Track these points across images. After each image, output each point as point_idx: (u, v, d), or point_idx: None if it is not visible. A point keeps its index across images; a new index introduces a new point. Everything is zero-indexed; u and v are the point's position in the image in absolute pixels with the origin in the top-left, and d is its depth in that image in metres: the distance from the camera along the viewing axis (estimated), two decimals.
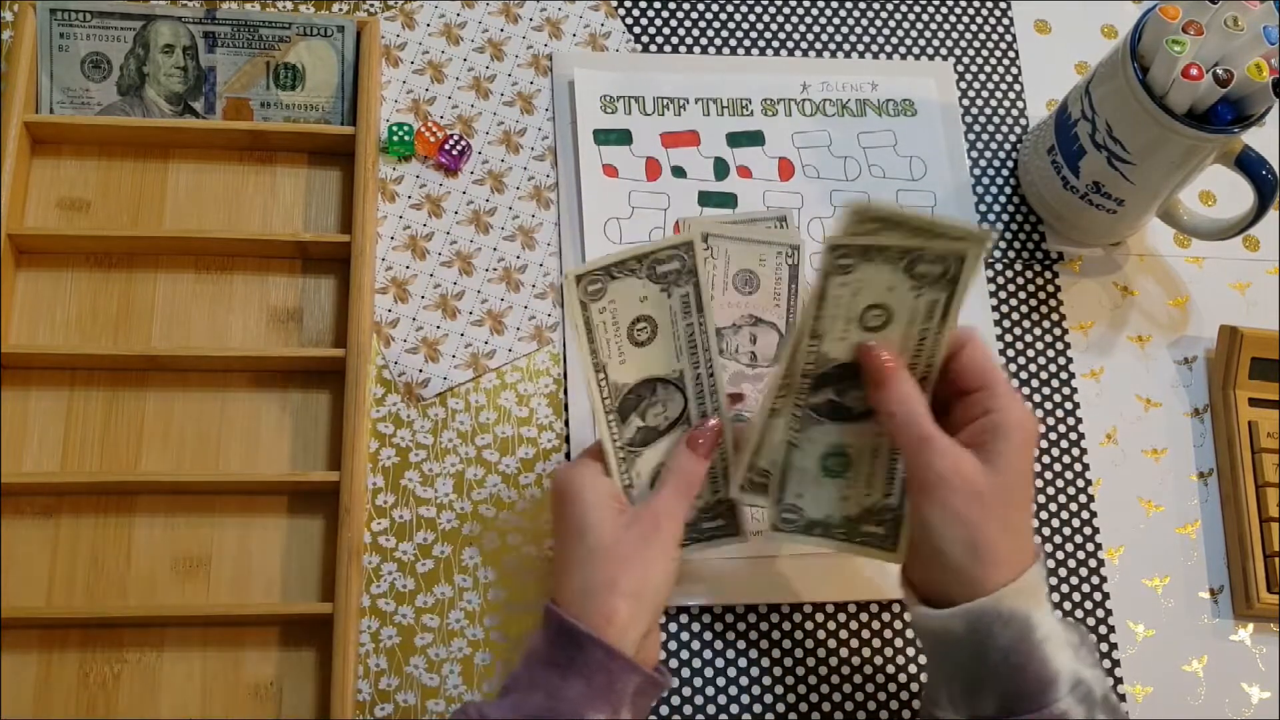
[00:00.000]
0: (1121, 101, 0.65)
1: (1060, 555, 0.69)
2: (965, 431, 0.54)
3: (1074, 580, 0.69)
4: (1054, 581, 0.68)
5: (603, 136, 0.73)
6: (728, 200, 0.73)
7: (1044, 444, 0.71)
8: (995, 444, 0.53)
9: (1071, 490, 0.70)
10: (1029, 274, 0.75)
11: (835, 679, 0.65)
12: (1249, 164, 0.65)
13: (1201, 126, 0.64)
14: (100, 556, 0.62)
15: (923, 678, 0.66)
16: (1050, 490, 0.70)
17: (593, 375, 0.55)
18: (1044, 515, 0.70)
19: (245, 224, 0.69)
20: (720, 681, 0.64)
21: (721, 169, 0.74)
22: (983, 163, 0.77)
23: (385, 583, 0.64)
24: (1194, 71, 0.62)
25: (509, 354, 0.69)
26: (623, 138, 0.73)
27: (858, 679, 0.65)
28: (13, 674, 0.60)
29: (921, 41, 0.79)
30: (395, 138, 0.71)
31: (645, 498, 0.57)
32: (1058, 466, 0.71)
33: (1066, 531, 0.69)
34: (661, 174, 0.73)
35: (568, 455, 0.67)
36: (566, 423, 0.68)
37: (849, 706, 0.65)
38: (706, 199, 0.73)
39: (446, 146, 0.71)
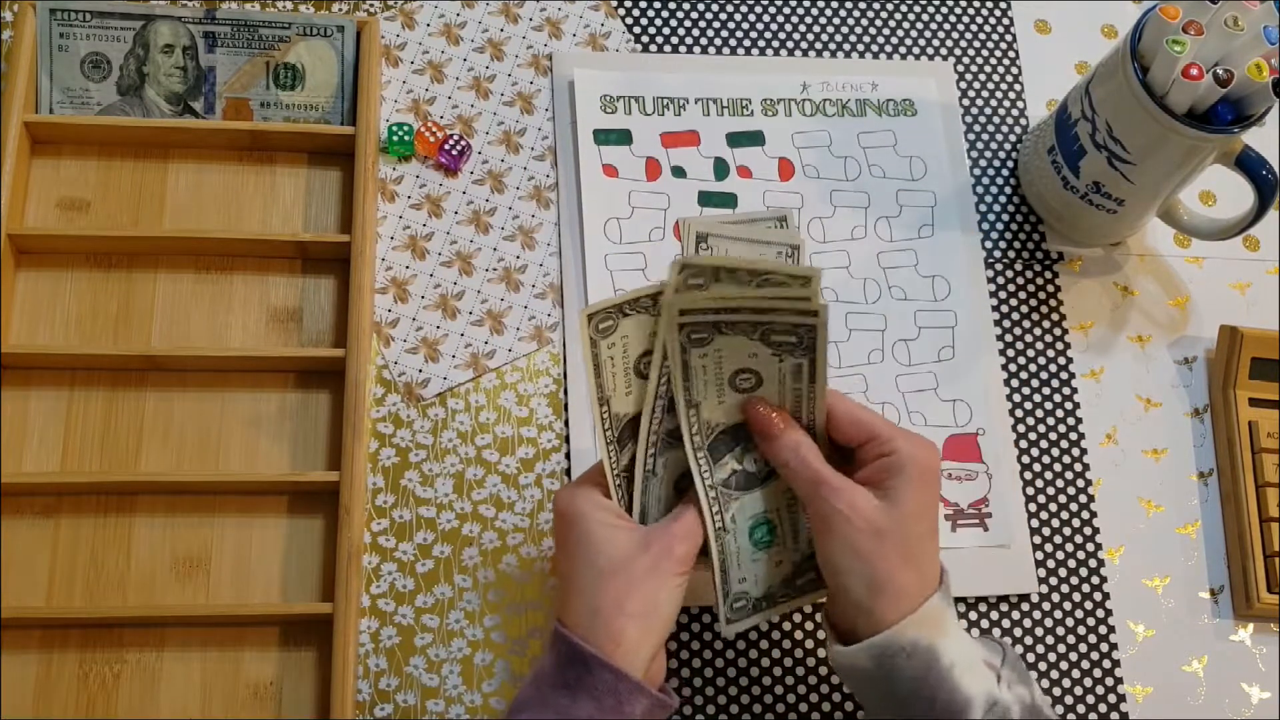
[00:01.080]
0: (1121, 101, 0.65)
1: (1060, 555, 0.69)
2: (863, 472, 0.55)
3: (1074, 580, 0.69)
4: (1054, 582, 0.68)
5: (603, 136, 0.73)
6: (728, 200, 0.73)
7: (1044, 444, 0.71)
8: (892, 480, 0.53)
9: (1071, 490, 0.70)
10: (1029, 274, 0.75)
11: (835, 679, 0.65)
12: (1249, 164, 0.65)
13: (1201, 126, 0.63)
14: (100, 556, 0.62)
15: None
16: (1050, 490, 0.70)
17: (596, 408, 0.54)
18: (1044, 515, 0.70)
19: (245, 224, 0.69)
20: (720, 682, 0.64)
21: (721, 169, 0.74)
22: (983, 163, 0.77)
23: (385, 583, 0.64)
24: (1194, 71, 0.62)
25: (509, 354, 0.69)
26: (623, 138, 0.73)
27: None
28: (13, 674, 0.60)
29: (921, 41, 0.79)
30: (395, 138, 0.71)
31: (661, 521, 0.56)
32: (1058, 466, 0.71)
33: (1066, 532, 0.69)
34: (661, 174, 0.73)
35: (568, 455, 0.67)
36: (566, 423, 0.68)
37: (849, 707, 0.65)
38: (706, 199, 0.73)
39: (446, 146, 0.71)
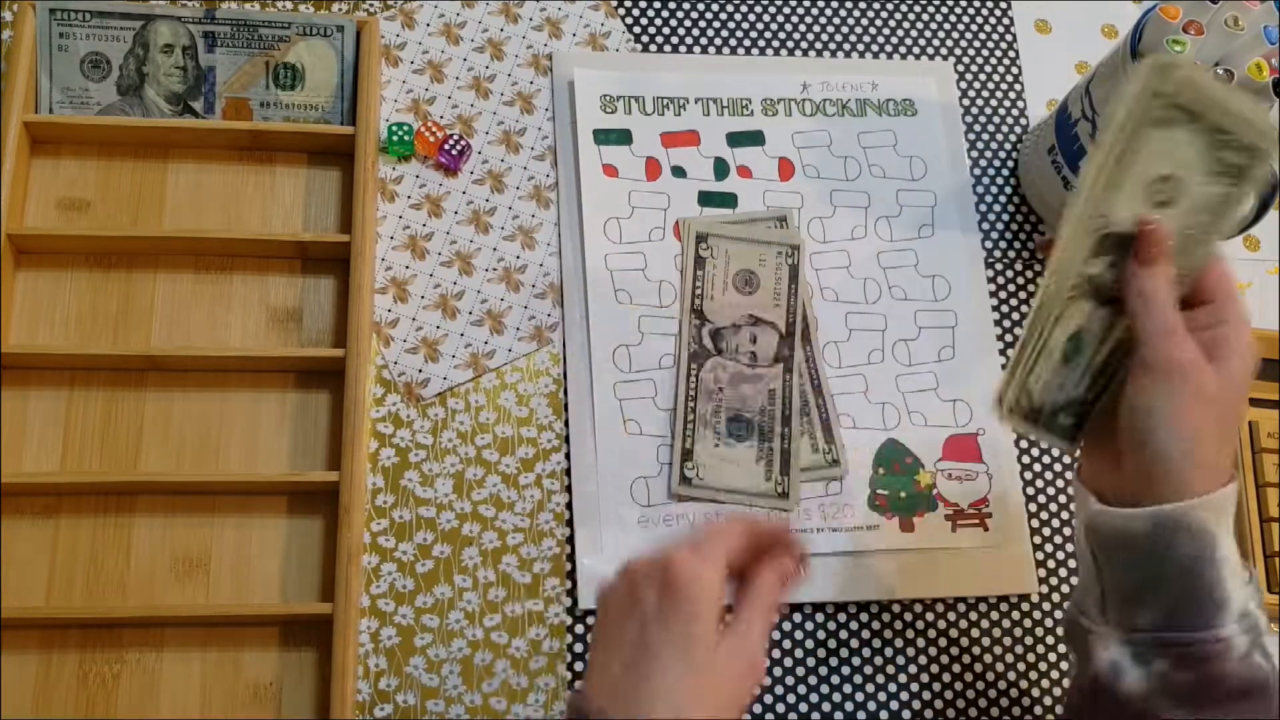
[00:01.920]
0: None
1: (1060, 555, 0.69)
2: (1195, 339, 0.52)
3: (1074, 580, 0.68)
4: (1054, 582, 0.68)
5: (603, 136, 0.73)
6: (728, 200, 0.73)
7: (1044, 444, 0.71)
8: (1226, 355, 0.51)
9: (1071, 490, 0.70)
10: (1029, 274, 0.75)
11: (835, 679, 0.65)
12: None
13: None
14: (100, 556, 0.62)
15: (923, 678, 0.66)
16: (1050, 490, 0.70)
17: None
18: (1044, 515, 0.70)
19: (245, 224, 0.69)
20: None
21: (722, 169, 0.74)
22: (983, 163, 0.77)
23: (385, 583, 0.64)
24: None
25: (509, 354, 0.69)
26: (623, 137, 0.73)
27: (858, 679, 0.65)
28: (13, 674, 0.60)
29: (921, 41, 0.79)
30: (395, 138, 0.71)
31: (746, 627, 0.49)
32: (1058, 466, 0.71)
33: (1067, 532, 0.69)
34: (661, 174, 0.73)
35: (568, 455, 0.67)
36: (566, 423, 0.68)
37: (849, 707, 0.65)
38: (707, 199, 0.73)
39: (446, 146, 0.71)
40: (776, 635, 0.65)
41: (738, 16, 0.78)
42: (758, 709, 0.64)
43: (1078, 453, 0.57)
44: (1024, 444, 0.71)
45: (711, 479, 0.66)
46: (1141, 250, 0.53)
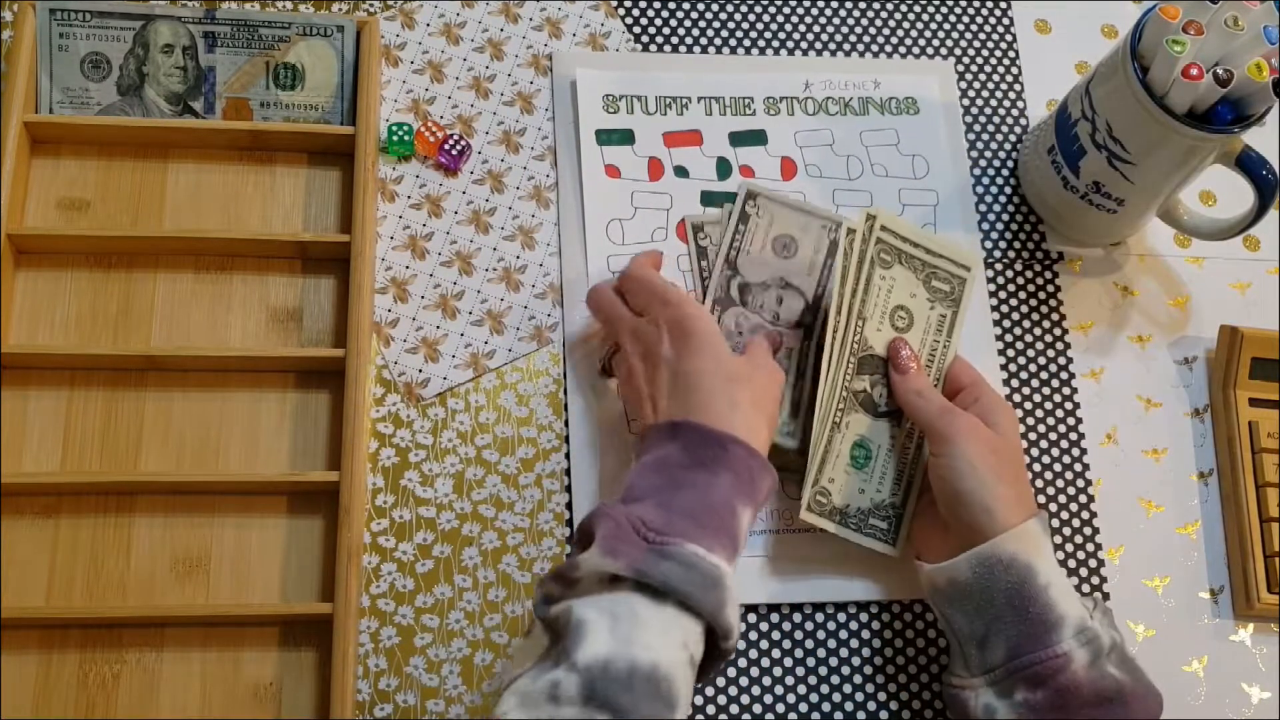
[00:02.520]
0: (1122, 101, 0.65)
1: (1060, 555, 0.69)
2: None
3: (1074, 580, 0.68)
4: None
5: (605, 136, 0.73)
6: (731, 200, 0.73)
7: (1044, 444, 0.71)
8: (994, 418, 0.62)
9: (1071, 490, 0.70)
10: (1029, 274, 0.75)
11: (835, 679, 0.65)
12: (1249, 164, 0.65)
13: (1201, 126, 0.63)
14: (100, 556, 0.62)
15: (923, 678, 0.66)
16: (1050, 490, 0.70)
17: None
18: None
19: (245, 224, 0.69)
20: (720, 681, 0.64)
21: (724, 168, 0.74)
22: (983, 162, 0.77)
23: (385, 583, 0.64)
24: (1194, 71, 0.62)
25: (509, 354, 0.69)
26: (625, 138, 0.73)
27: (857, 679, 0.65)
28: (13, 674, 0.60)
29: (922, 41, 0.79)
30: (395, 138, 0.71)
31: (754, 354, 0.62)
32: (1058, 466, 0.71)
33: (1067, 531, 0.69)
34: (664, 174, 0.73)
35: (567, 455, 0.67)
36: (566, 423, 0.68)
37: (849, 707, 0.65)
38: (709, 199, 0.73)
39: (446, 146, 0.71)
40: (777, 635, 0.65)
41: (738, 16, 0.78)
42: (758, 709, 0.64)
43: (896, 552, 0.65)
44: (1024, 444, 0.71)
45: None
46: (897, 364, 0.65)
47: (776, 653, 0.65)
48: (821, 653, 0.65)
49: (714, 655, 0.52)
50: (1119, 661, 0.57)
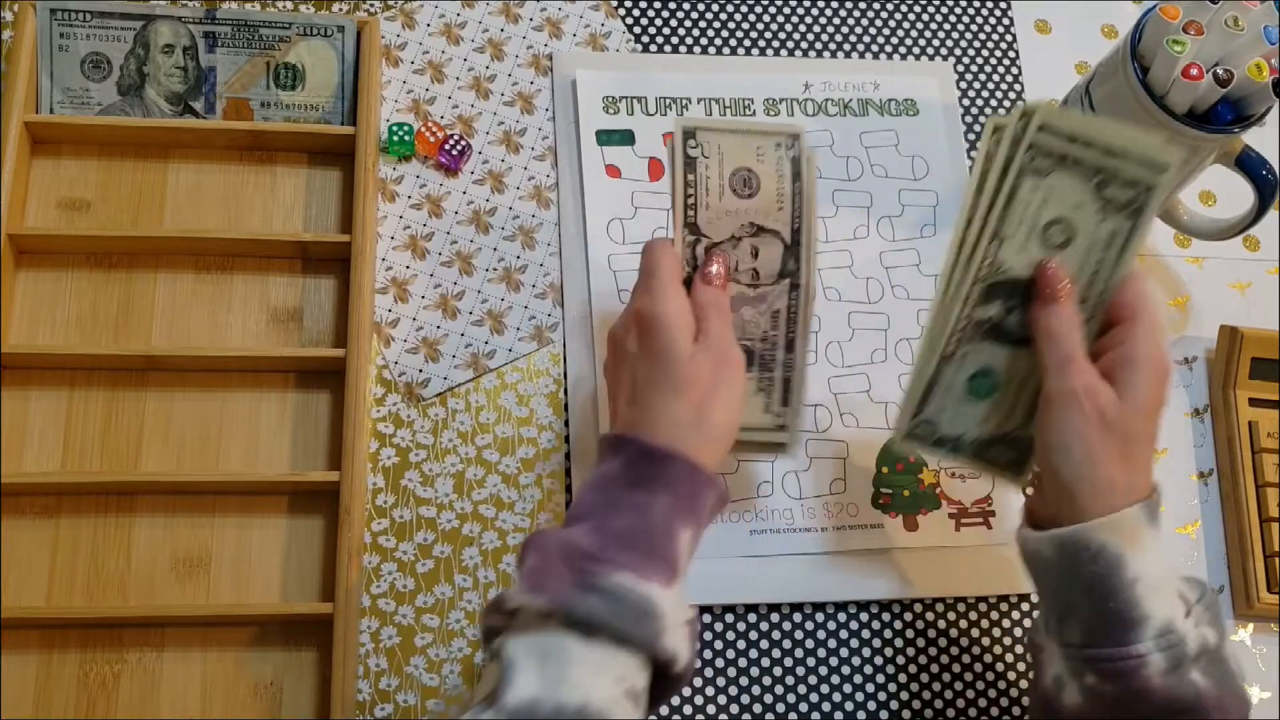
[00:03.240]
0: (1122, 101, 0.65)
1: None
2: (1100, 362, 0.55)
3: None
4: None
5: (605, 137, 0.73)
6: None
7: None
8: (1127, 375, 0.53)
9: None
10: None
11: (835, 679, 0.65)
12: (1249, 164, 0.65)
13: (1201, 126, 0.64)
14: (100, 556, 0.62)
15: (923, 678, 0.66)
16: None
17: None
18: None
19: (245, 224, 0.69)
20: (720, 681, 0.64)
21: None
22: None
23: (385, 583, 0.64)
24: (1194, 71, 0.62)
25: (509, 354, 0.69)
26: (625, 138, 0.73)
27: (858, 679, 0.65)
28: (13, 674, 0.60)
29: (922, 42, 0.79)
30: (395, 138, 0.71)
31: (708, 335, 0.55)
32: None
33: None
34: (664, 174, 0.73)
35: (568, 455, 0.67)
36: (567, 423, 0.68)
37: (849, 707, 0.65)
38: None
39: (446, 146, 0.71)
40: (777, 635, 0.65)
41: (738, 17, 0.78)
42: (758, 709, 0.64)
43: (1027, 487, 0.60)
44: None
45: None
46: (1043, 291, 0.55)
47: (776, 653, 0.65)
48: (821, 653, 0.65)
49: (667, 681, 0.50)
50: (1208, 665, 0.52)
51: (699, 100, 0.75)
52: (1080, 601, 0.53)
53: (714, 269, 0.57)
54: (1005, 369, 0.58)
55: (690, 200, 0.58)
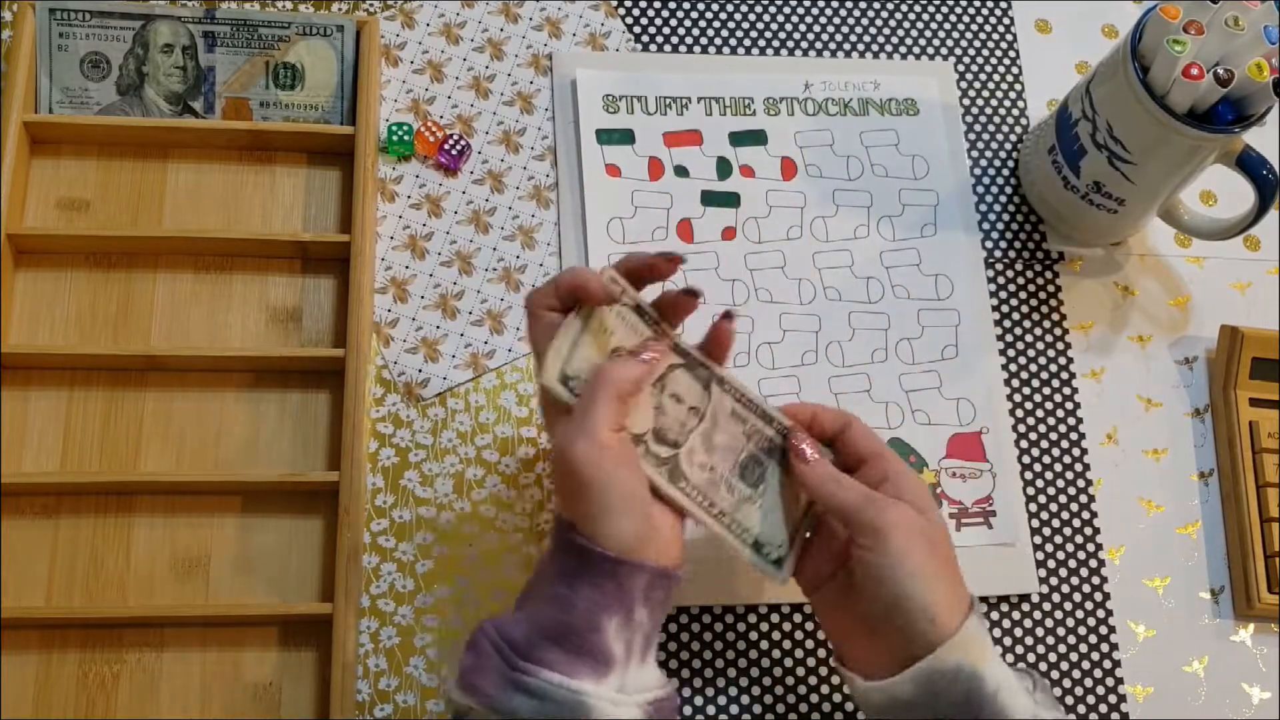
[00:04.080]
0: (1122, 101, 0.65)
1: (1060, 555, 0.69)
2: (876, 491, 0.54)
3: (1074, 580, 0.68)
4: (1054, 582, 0.68)
5: (605, 136, 0.73)
6: (730, 199, 0.73)
7: (1044, 444, 0.71)
8: (913, 497, 0.54)
9: (1072, 490, 0.70)
10: (1029, 274, 0.75)
11: (835, 679, 0.65)
12: (1249, 164, 0.65)
13: (1202, 126, 0.63)
14: (100, 556, 0.62)
15: None
16: (1050, 490, 0.70)
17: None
18: (1044, 515, 0.70)
19: (245, 224, 0.69)
20: (720, 682, 0.64)
21: (724, 168, 0.74)
22: (983, 163, 0.77)
23: (385, 583, 0.64)
24: (1194, 71, 0.62)
25: (509, 354, 0.69)
26: (625, 137, 0.73)
27: None
28: (13, 674, 0.60)
29: (922, 41, 0.79)
30: (395, 137, 0.71)
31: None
32: (1058, 467, 0.71)
33: (1067, 532, 0.69)
34: (664, 174, 0.73)
35: None
36: None
37: (849, 707, 0.65)
38: (709, 198, 0.73)
39: (446, 146, 0.71)
40: (777, 635, 0.65)
41: (738, 16, 0.78)
42: (758, 709, 0.64)
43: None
44: (1024, 444, 0.71)
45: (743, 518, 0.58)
46: (798, 453, 0.56)
47: (776, 653, 0.65)
48: (822, 653, 0.65)
49: None
50: None
51: (699, 100, 0.75)
52: None
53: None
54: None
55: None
